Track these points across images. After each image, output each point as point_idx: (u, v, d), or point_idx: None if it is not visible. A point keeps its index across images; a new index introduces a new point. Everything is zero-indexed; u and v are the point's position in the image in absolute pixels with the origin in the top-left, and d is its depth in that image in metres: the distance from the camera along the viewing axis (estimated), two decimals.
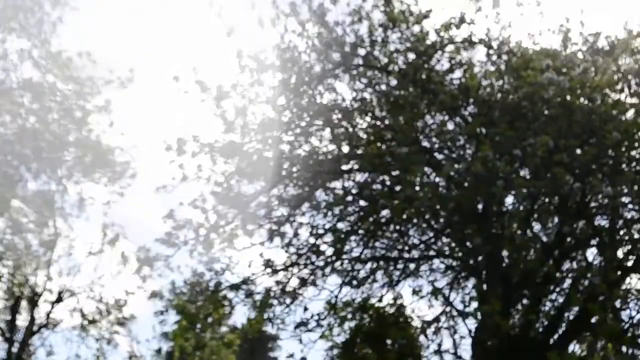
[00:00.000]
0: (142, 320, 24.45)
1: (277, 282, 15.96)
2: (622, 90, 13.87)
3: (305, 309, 16.05)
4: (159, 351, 23.42)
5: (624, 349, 14.28)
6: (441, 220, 15.36)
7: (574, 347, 15.44)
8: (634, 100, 13.84)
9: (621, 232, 14.63)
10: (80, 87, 18.92)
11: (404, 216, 14.99)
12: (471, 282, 16.40)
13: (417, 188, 13.89)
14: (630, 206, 14.38)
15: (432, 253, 16.53)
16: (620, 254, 14.45)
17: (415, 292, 16.90)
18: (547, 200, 14.44)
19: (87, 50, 19.12)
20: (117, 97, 20.76)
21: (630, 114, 13.77)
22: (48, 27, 18.15)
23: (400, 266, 16.85)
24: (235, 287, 15.82)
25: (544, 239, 14.99)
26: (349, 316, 16.87)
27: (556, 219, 15.07)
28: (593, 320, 14.30)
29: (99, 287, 23.78)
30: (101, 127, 20.25)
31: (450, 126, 15.02)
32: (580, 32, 14.24)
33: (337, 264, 16.04)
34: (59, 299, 23.64)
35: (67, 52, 18.87)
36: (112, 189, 21.24)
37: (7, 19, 17.75)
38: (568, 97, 13.28)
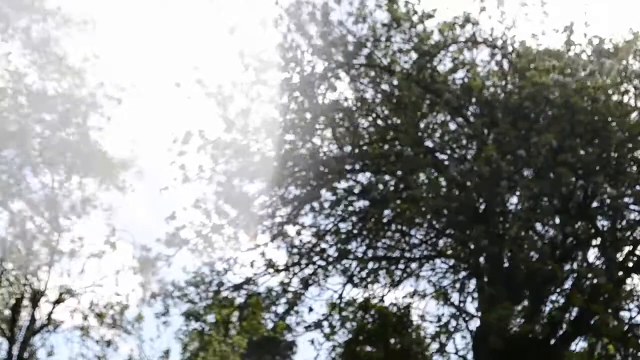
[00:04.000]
0: (146, 320, 24.35)
1: (281, 283, 15.95)
2: (626, 92, 13.85)
3: (311, 309, 16.04)
4: (167, 353, 23.35)
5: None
6: (443, 220, 15.34)
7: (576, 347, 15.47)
8: (639, 102, 13.82)
9: (623, 233, 14.63)
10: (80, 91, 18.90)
11: (407, 216, 14.97)
12: (473, 282, 16.38)
13: (421, 188, 13.88)
14: (632, 207, 14.38)
15: (434, 253, 16.51)
16: (621, 254, 14.46)
17: (416, 293, 16.97)
18: (549, 200, 14.41)
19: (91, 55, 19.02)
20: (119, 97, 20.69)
21: (634, 115, 13.76)
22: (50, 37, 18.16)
23: (402, 266, 16.84)
24: (237, 288, 15.82)
25: (547, 239, 14.97)
26: (351, 316, 16.88)
27: (558, 219, 15.04)
28: (594, 320, 14.30)
29: (100, 288, 23.74)
30: (101, 126, 20.19)
31: (452, 126, 15.00)
32: (585, 34, 14.19)
33: (340, 263, 16.03)
34: (60, 300, 23.60)
35: (69, 58, 18.86)
36: (115, 191, 21.16)
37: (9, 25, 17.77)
38: (571, 98, 13.26)
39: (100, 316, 23.88)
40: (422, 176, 14.75)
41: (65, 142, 19.37)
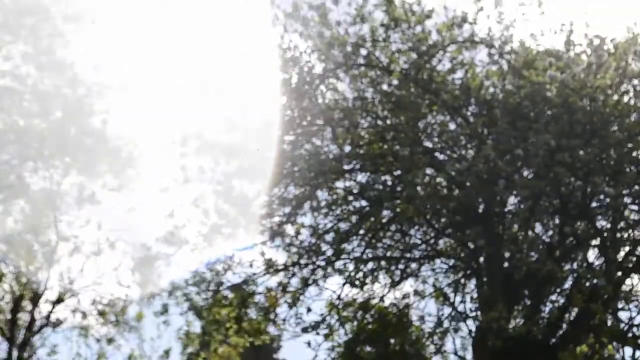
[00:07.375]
0: (147, 319, 24.32)
1: (279, 283, 15.96)
2: (625, 92, 13.83)
3: (309, 309, 16.04)
4: (167, 352, 23.33)
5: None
6: (442, 220, 15.35)
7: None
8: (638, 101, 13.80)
9: (622, 233, 14.62)
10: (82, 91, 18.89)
11: (406, 216, 14.97)
12: (473, 282, 16.38)
13: (419, 188, 13.88)
14: (631, 207, 14.38)
15: (433, 253, 16.52)
16: (621, 254, 14.45)
17: (416, 293, 16.98)
18: (548, 200, 14.40)
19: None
20: (119, 98, 20.67)
21: (633, 115, 13.74)
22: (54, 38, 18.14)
23: (401, 266, 16.84)
24: (236, 287, 15.83)
25: (546, 239, 14.97)
26: (351, 316, 16.89)
27: (557, 220, 15.05)
28: (594, 321, 14.29)
29: (100, 287, 23.72)
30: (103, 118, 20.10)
31: (451, 126, 15.00)
32: (585, 34, 14.15)
33: (339, 263, 16.04)
34: (60, 299, 23.59)
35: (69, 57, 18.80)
36: (115, 183, 21.06)
37: (13, 25, 17.76)
38: (570, 97, 13.26)
39: (102, 314, 23.87)
40: (419, 175, 14.71)
41: (64, 139, 19.34)
